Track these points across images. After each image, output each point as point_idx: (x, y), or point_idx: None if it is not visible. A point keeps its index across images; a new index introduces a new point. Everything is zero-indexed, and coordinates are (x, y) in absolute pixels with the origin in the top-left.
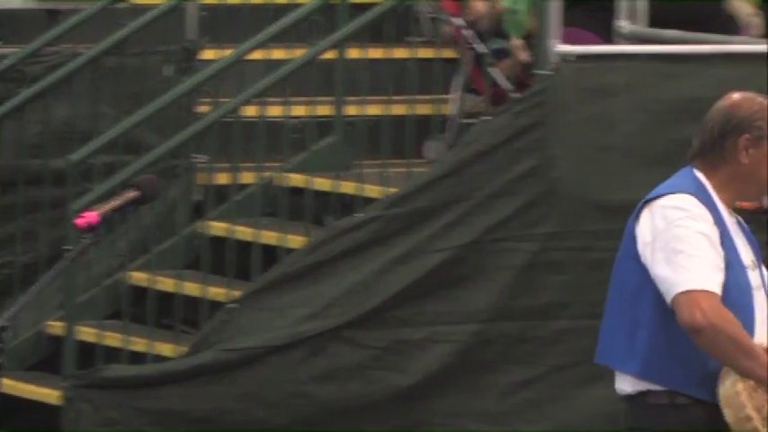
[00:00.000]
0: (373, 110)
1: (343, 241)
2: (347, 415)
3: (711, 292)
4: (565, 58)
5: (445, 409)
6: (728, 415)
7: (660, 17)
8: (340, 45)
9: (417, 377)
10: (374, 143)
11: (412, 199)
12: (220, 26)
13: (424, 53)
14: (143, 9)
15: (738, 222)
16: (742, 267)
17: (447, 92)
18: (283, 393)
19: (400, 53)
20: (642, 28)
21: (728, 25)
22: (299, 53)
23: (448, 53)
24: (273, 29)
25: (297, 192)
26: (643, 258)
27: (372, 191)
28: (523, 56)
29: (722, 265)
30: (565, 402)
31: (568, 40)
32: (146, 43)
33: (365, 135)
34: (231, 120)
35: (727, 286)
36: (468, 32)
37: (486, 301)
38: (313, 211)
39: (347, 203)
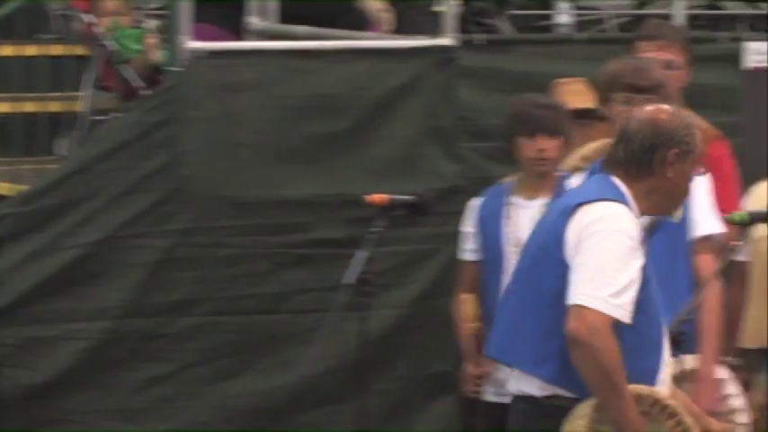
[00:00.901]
0: (3, 107)
1: None
2: None
3: (606, 316)
4: (195, 54)
5: (77, 407)
6: None
7: (291, 14)
8: None
9: (48, 375)
10: (5, 141)
11: (42, 196)
12: None
13: (55, 50)
14: None
15: None
16: (654, 284)
17: (78, 89)
18: None
19: (31, 50)
20: (273, 24)
21: (359, 21)
22: None
23: (79, 50)
24: None
25: None
26: (570, 263)
27: (3, 188)
28: (153, 54)
29: (637, 280)
30: (197, 399)
31: (199, 36)
32: None
33: None
34: None
35: (648, 301)
36: (98, 29)
37: (118, 298)
38: None
39: None
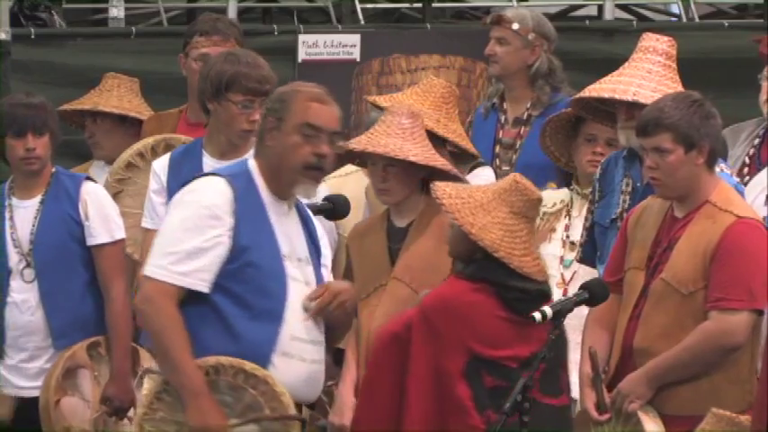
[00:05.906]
0: None
1: None
2: None
3: (164, 283)
4: None
5: None
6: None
7: None
8: None
9: None
10: None
11: None
12: None
13: None
14: None
15: (300, 213)
16: (275, 255)
17: None
18: None
19: None
20: None
21: None
22: None
23: None
24: None
25: None
26: None
27: None
28: None
29: (212, 249)
30: None
31: None
32: None
33: None
34: None
35: (250, 271)
36: None
37: None
38: None
39: None
